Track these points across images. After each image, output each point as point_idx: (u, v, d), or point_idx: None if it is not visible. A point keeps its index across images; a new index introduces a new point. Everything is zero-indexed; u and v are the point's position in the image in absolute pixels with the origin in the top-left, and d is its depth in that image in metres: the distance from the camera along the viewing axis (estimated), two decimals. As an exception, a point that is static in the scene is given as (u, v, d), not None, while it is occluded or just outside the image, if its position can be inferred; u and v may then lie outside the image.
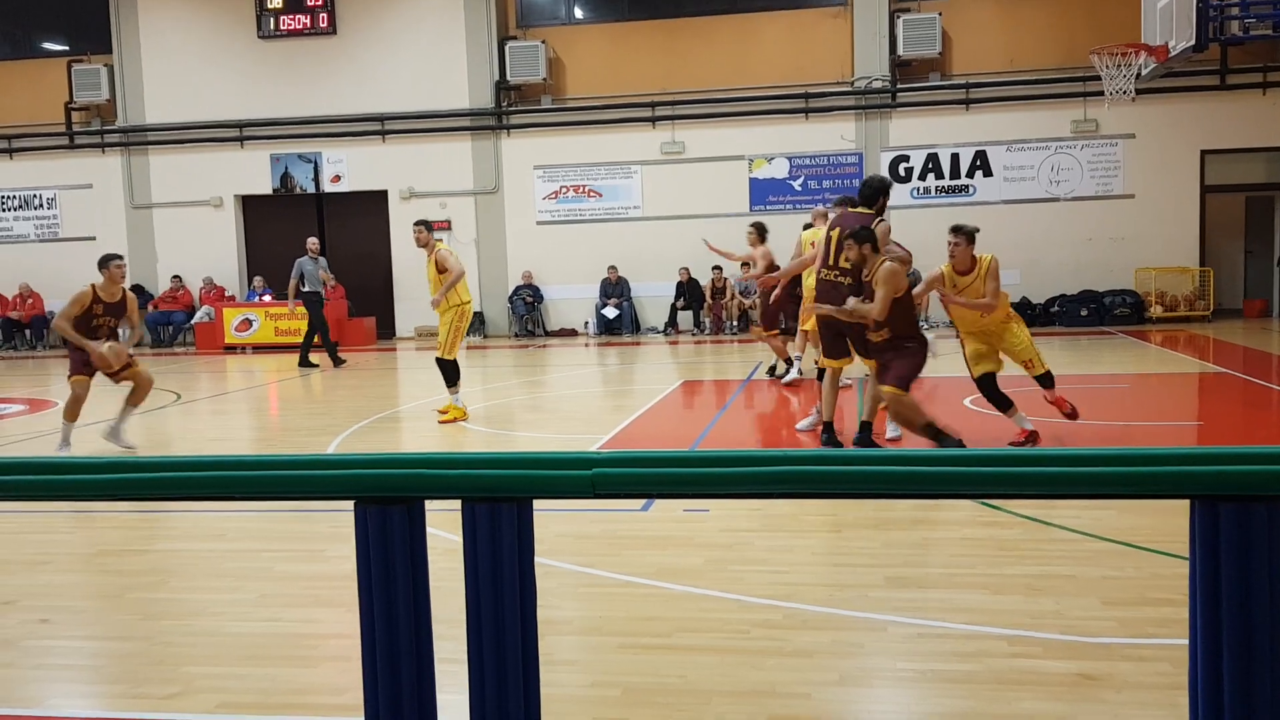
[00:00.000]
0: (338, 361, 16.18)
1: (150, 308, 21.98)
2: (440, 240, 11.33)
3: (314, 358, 16.23)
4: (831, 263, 7.89)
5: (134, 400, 9.20)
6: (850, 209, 8.17)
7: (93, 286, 9.02)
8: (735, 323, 20.44)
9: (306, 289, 16.05)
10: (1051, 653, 4.10)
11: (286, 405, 12.79)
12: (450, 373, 10.31)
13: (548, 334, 21.37)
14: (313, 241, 16.46)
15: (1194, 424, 9.48)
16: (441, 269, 10.16)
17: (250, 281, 21.71)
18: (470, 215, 21.59)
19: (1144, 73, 13.94)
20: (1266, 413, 10.05)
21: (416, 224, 10.61)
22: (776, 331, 11.83)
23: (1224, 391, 11.29)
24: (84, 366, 8.98)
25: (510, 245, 21.60)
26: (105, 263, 9.11)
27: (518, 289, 21.37)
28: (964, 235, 7.91)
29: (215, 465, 2.51)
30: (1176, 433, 8.87)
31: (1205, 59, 16.40)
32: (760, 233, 12.21)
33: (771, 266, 11.77)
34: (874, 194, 7.97)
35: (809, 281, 10.32)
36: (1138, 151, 19.57)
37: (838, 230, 7.88)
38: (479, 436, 9.74)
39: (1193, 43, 11.81)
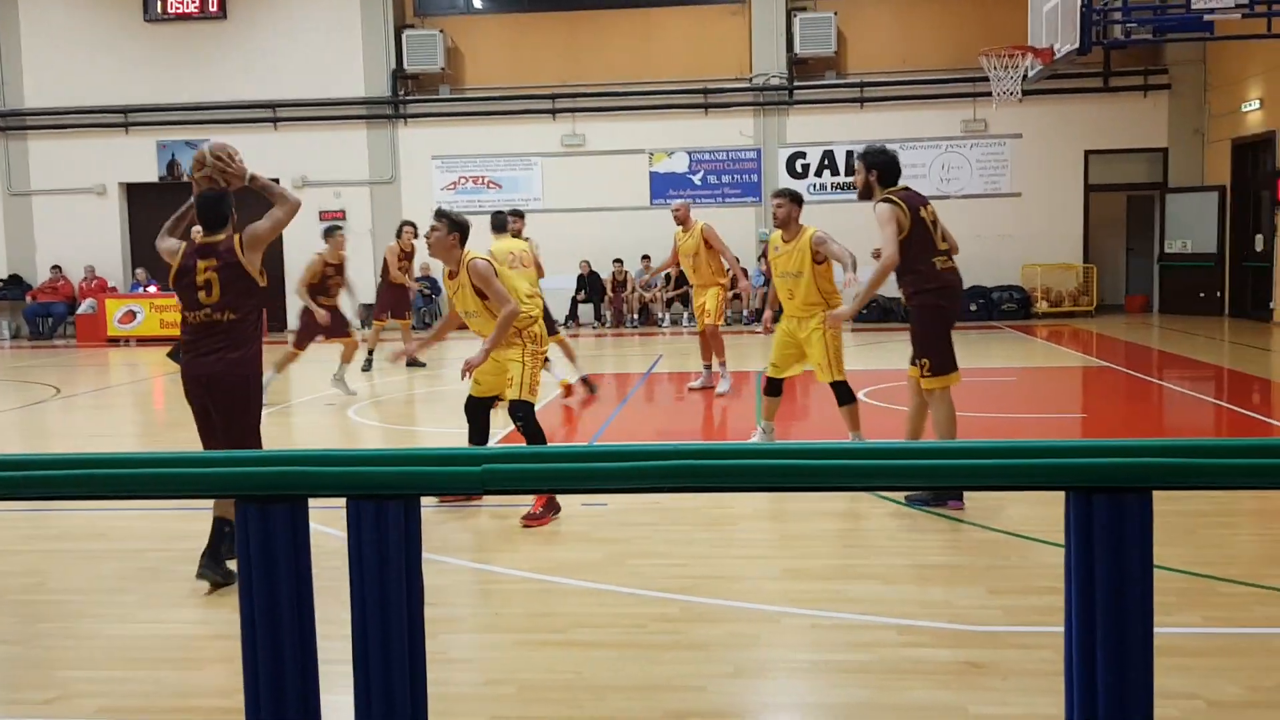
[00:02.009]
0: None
1: (28, 299, 21.15)
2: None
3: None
4: (940, 247, 6.36)
5: (346, 357, 11.47)
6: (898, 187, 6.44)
7: (319, 255, 11.06)
8: (636, 316, 20.49)
9: None
10: (941, 641, 4.19)
11: (171, 400, 12.40)
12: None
13: (446, 327, 21.12)
14: (197, 231, 15.89)
15: (1077, 416, 9.80)
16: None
17: (133, 272, 21.02)
18: (366, 205, 21.24)
19: (1030, 74, 14.34)
20: (1146, 405, 10.43)
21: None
22: None
23: (1106, 385, 11.68)
24: (307, 339, 11.11)
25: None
26: (330, 232, 11.27)
27: (415, 280, 21.06)
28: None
29: (94, 463, 2.42)
30: (1060, 425, 9.15)
31: (1089, 62, 16.94)
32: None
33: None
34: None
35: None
36: (1025, 151, 20.14)
37: (930, 206, 6.44)
38: (370, 432, 9.59)
39: (1077, 46, 12.18)
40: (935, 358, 6.20)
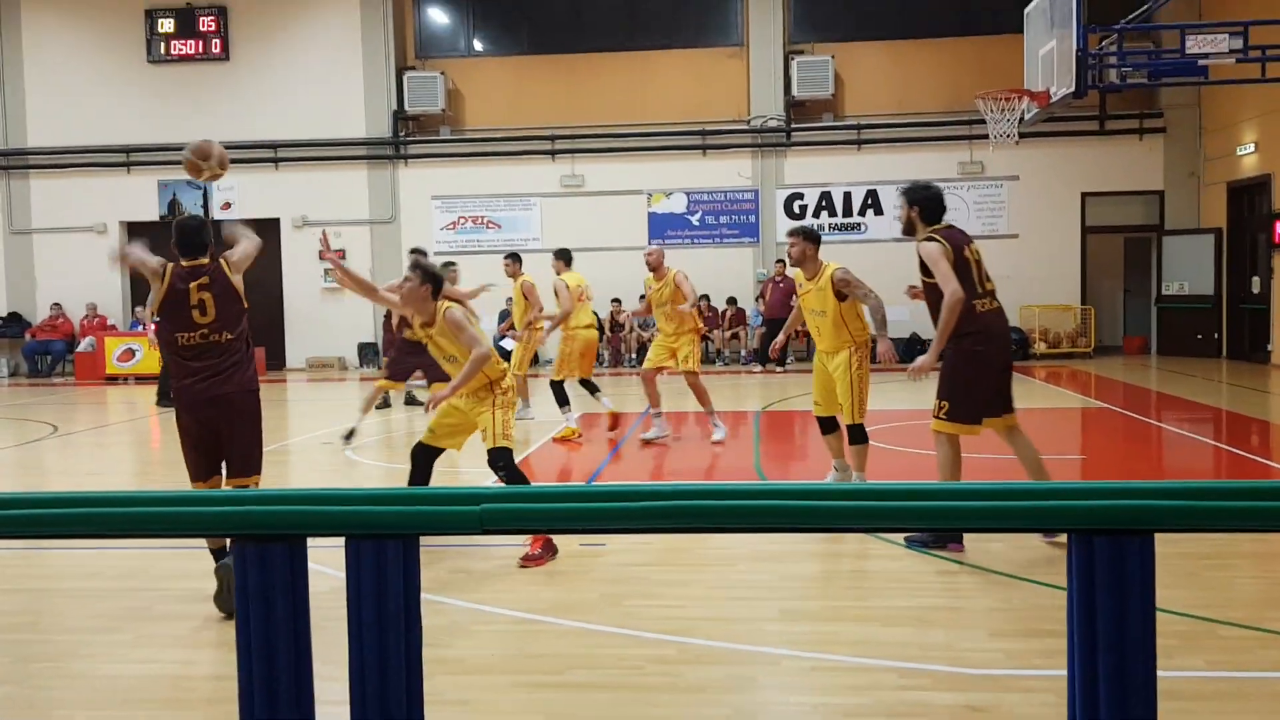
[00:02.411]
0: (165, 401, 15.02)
1: (27, 336, 21.16)
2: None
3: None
4: (982, 289, 6.18)
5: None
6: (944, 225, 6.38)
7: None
8: (634, 355, 20.49)
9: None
10: (941, 685, 4.16)
11: (169, 439, 12.36)
12: (560, 395, 11.02)
13: (445, 366, 21.13)
14: None
15: (1077, 458, 9.78)
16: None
17: (134, 310, 21.05)
18: (366, 245, 21.31)
19: (1027, 117, 14.45)
20: (1146, 447, 10.42)
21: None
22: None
23: (1105, 426, 11.67)
24: (403, 375, 11.42)
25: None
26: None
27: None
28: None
29: (90, 501, 2.41)
30: (1059, 466, 9.13)
31: (1085, 105, 17.07)
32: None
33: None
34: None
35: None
36: (1022, 193, 20.25)
37: (975, 245, 6.32)
38: (368, 470, 9.56)
39: (1073, 89, 12.28)
40: (954, 404, 6.11)
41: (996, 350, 6.17)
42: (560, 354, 11.13)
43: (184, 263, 5.42)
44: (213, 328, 5.28)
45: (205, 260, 5.40)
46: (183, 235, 5.45)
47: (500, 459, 6.12)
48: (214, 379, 5.25)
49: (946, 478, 6.21)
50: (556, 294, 11.03)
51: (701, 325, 11.20)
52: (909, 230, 6.42)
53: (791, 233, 7.71)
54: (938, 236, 6.14)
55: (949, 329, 6.06)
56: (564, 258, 11.37)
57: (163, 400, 15.18)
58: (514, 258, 11.92)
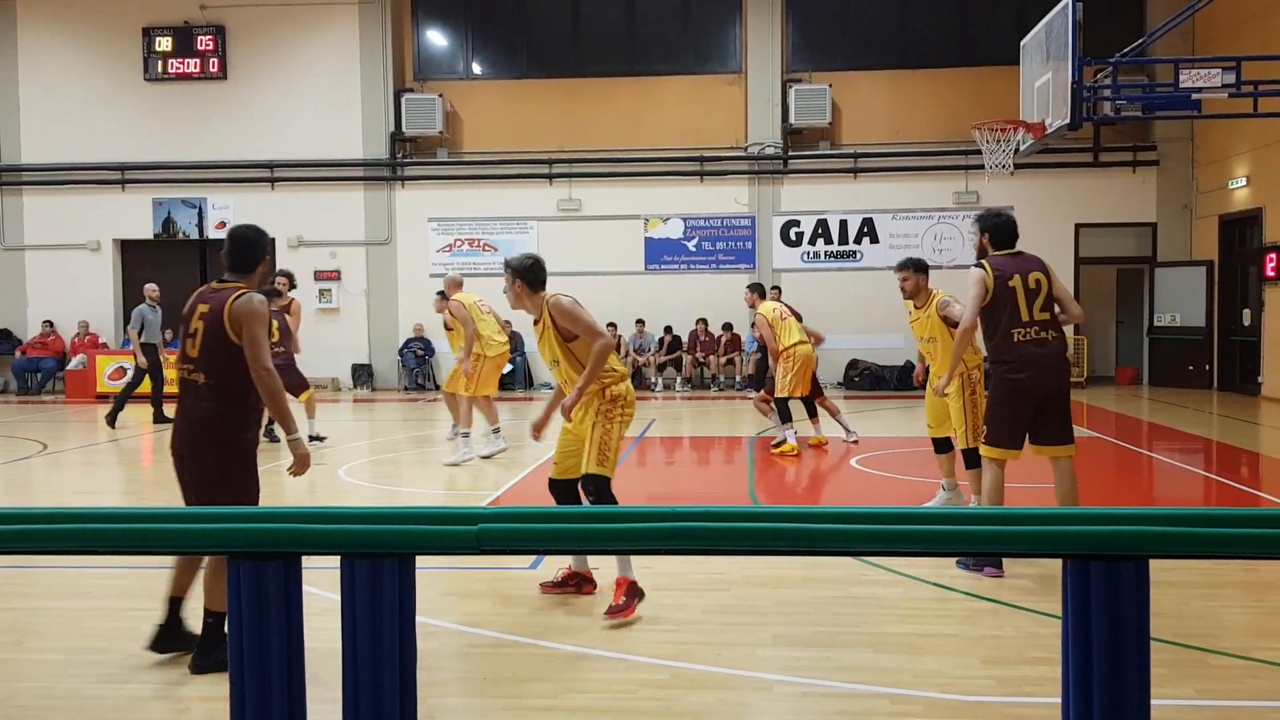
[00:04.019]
0: (160, 418, 15.09)
1: (18, 354, 21.10)
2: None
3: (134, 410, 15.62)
4: (1028, 317, 6.19)
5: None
6: (1008, 251, 6.47)
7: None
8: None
9: (143, 340, 15.14)
10: (933, 712, 4.15)
11: (160, 456, 12.33)
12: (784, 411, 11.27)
13: (438, 388, 21.10)
14: (151, 288, 15.64)
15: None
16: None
17: (126, 329, 21.01)
18: (361, 266, 21.33)
19: (1022, 148, 14.53)
20: (1137, 476, 10.43)
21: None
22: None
23: (1097, 456, 11.67)
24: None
25: (402, 297, 21.38)
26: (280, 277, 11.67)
27: (408, 341, 21.11)
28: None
29: (80, 518, 2.40)
30: (1050, 495, 9.12)
31: (1079, 137, 17.18)
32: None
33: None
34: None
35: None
36: (1018, 222, 20.29)
37: (1036, 274, 6.26)
38: (362, 492, 9.53)
39: (1068, 121, 12.35)
40: (990, 428, 6.33)
41: (1032, 379, 6.15)
42: (787, 372, 11.22)
43: (219, 280, 4.84)
44: (196, 364, 4.67)
45: (239, 284, 4.77)
46: (231, 244, 4.83)
47: (591, 485, 5.48)
48: (181, 426, 4.71)
49: (987, 501, 6.39)
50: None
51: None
52: (982, 255, 6.56)
53: (902, 265, 7.81)
54: (986, 263, 6.32)
55: (959, 353, 6.55)
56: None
57: (160, 419, 15.17)
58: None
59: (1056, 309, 6.28)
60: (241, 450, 4.72)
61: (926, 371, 8.05)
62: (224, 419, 4.66)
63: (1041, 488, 8.57)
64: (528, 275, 5.80)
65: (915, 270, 7.70)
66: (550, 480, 5.91)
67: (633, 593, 5.43)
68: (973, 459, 7.32)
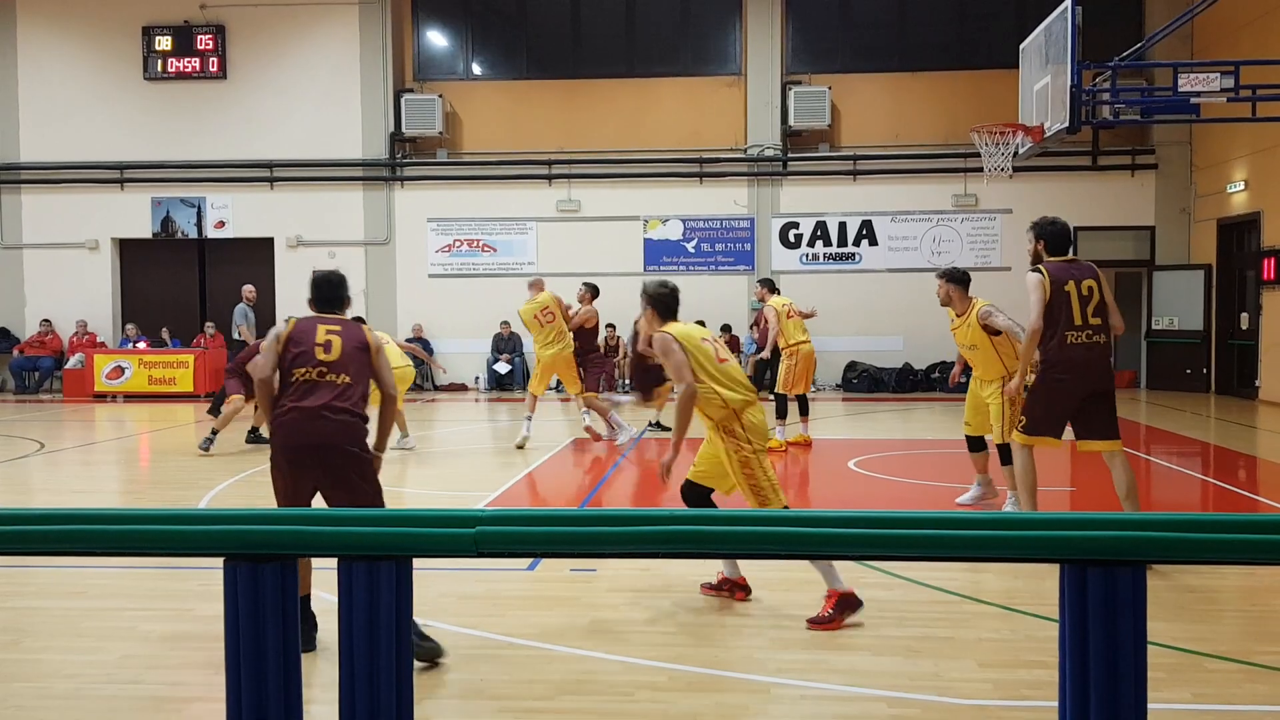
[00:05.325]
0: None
1: (15, 352, 21.08)
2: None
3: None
4: (1081, 321, 6.43)
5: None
6: (1063, 257, 6.69)
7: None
8: (628, 381, 20.49)
9: (238, 338, 14.97)
10: (929, 714, 4.15)
11: (159, 457, 12.32)
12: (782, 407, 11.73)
13: (437, 388, 21.10)
14: (249, 289, 15.78)
15: (1065, 490, 9.78)
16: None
17: (124, 328, 21.01)
18: (360, 265, 21.31)
19: (1021, 151, 14.53)
20: (1135, 479, 10.40)
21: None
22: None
23: (1095, 459, 11.65)
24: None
25: (401, 297, 21.37)
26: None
27: (407, 341, 21.09)
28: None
29: (76, 518, 2.40)
30: (1049, 499, 9.13)
31: (1078, 141, 17.19)
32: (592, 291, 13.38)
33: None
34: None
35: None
36: (1015, 226, 20.31)
37: (1089, 281, 6.50)
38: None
39: (1066, 125, 12.35)
40: (1029, 420, 6.57)
41: (1077, 380, 6.44)
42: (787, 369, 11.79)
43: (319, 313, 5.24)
44: (333, 367, 4.95)
45: (340, 313, 5.28)
46: (323, 286, 5.33)
47: None
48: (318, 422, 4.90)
49: (1022, 484, 6.73)
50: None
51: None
52: (1037, 261, 6.68)
53: (939, 275, 8.08)
54: (1042, 269, 6.48)
55: (1028, 356, 6.61)
56: (770, 286, 12.90)
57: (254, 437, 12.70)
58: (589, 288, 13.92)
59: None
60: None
61: (965, 371, 8.26)
62: (364, 418, 5.01)
63: (1054, 490, 8.60)
64: (658, 303, 5.75)
65: (947, 280, 7.95)
66: (686, 482, 5.79)
67: (843, 606, 5.27)
68: (1007, 455, 7.52)
